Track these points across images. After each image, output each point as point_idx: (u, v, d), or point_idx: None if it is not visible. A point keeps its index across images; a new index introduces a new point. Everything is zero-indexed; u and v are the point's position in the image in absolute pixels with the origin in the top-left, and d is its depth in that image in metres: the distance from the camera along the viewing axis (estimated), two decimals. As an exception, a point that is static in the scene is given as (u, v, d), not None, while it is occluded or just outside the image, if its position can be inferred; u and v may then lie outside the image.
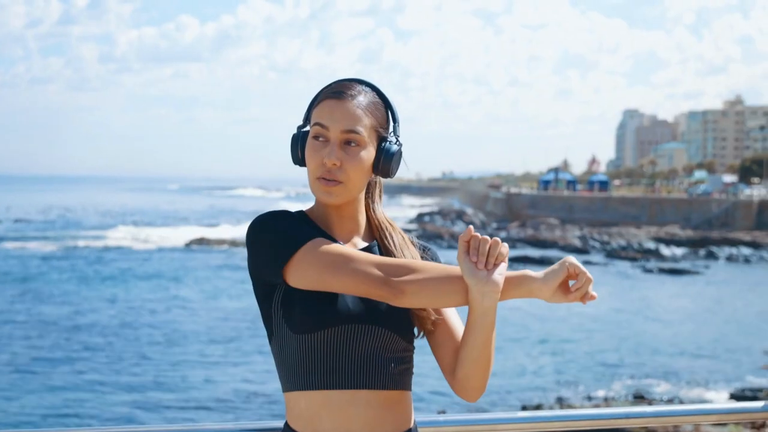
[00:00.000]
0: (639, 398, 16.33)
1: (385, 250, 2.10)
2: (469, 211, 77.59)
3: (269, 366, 19.02)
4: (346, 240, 2.09)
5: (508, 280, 1.90)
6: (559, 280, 1.88)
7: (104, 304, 27.93)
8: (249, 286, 2.09)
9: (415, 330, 2.09)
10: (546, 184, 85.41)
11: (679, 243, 52.52)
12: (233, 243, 50.71)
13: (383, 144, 2.05)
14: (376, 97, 2.07)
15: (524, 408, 15.54)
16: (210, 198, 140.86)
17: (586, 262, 42.38)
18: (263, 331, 2.09)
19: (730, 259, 46.16)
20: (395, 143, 2.06)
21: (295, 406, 2.01)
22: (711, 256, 47.31)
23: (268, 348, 2.10)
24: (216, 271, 37.48)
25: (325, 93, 2.05)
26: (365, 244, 2.11)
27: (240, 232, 60.17)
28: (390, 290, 1.90)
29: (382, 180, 2.16)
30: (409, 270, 1.91)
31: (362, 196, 2.12)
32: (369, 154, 2.03)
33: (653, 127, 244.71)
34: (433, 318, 2.06)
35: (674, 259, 45.56)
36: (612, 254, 46.18)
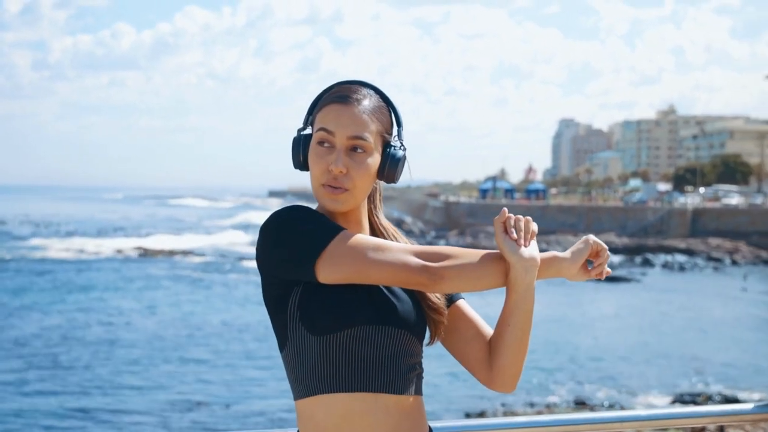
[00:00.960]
0: (580, 404, 16.45)
1: None
2: (408, 219, 77.73)
3: (209, 376, 18.83)
4: None
5: (541, 260, 1.96)
6: (584, 259, 1.96)
7: (38, 316, 27.38)
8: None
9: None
10: (484, 192, 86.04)
11: (615, 251, 53.28)
12: (171, 252, 50.17)
13: (388, 149, 2.02)
14: (380, 100, 2.04)
15: (468, 416, 15.55)
16: (152, 207, 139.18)
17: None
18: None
19: (665, 266, 46.92)
20: (400, 148, 2.04)
21: (312, 414, 1.95)
22: (647, 263, 48.06)
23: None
24: (155, 281, 37.01)
25: (329, 97, 2.01)
26: None
27: (178, 242, 59.54)
28: (429, 276, 1.87)
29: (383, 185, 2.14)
30: (445, 256, 1.90)
31: (366, 200, 2.08)
32: (375, 160, 1.99)
33: (588, 137, 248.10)
34: (445, 323, 2.05)
35: (611, 266, 45.75)
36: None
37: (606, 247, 1.97)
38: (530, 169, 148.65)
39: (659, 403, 16.84)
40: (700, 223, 59.86)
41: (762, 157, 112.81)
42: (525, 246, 1.93)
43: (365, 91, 2.02)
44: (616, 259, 49.72)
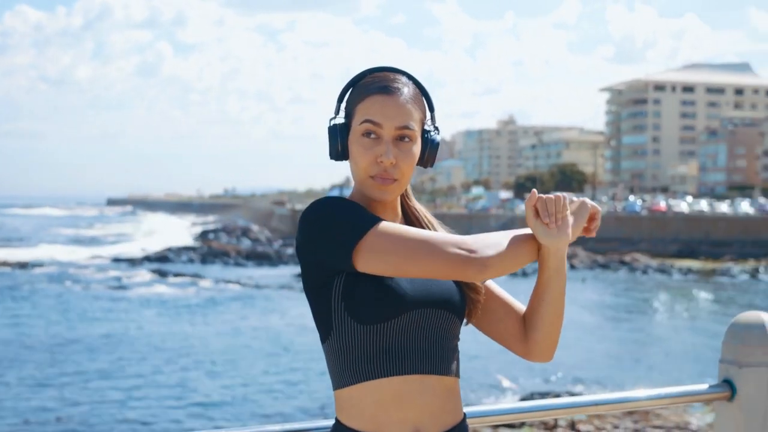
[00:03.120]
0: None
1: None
2: (255, 227, 77.11)
3: (69, 391, 18.13)
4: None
5: None
6: (587, 219, 2.02)
7: None
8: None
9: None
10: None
11: (460, 256, 54.33)
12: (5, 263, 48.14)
13: (426, 135, 2.05)
14: (415, 87, 2.05)
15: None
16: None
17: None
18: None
19: (509, 271, 48.10)
20: (437, 133, 2.07)
21: (359, 400, 1.95)
22: (490, 268, 49.11)
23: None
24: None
25: (370, 87, 2.01)
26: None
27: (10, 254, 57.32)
28: (475, 267, 1.87)
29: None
30: (484, 244, 1.91)
31: None
32: (418, 147, 2.02)
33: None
34: (482, 301, 2.08)
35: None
36: (398, 268, 47.00)
37: (600, 209, 2.04)
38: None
39: (509, 401, 17.15)
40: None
41: (595, 166, 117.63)
42: (556, 227, 1.94)
43: (403, 78, 2.03)
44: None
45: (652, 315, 32.75)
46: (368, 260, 1.89)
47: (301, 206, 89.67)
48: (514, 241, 1.95)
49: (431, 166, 2.06)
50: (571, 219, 1.97)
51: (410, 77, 2.04)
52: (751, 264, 51.68)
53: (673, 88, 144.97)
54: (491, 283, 2.13)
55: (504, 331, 2.11)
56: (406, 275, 1.90)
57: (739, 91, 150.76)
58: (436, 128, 2.06)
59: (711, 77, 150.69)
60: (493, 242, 1.92)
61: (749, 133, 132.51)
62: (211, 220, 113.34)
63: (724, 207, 70.33)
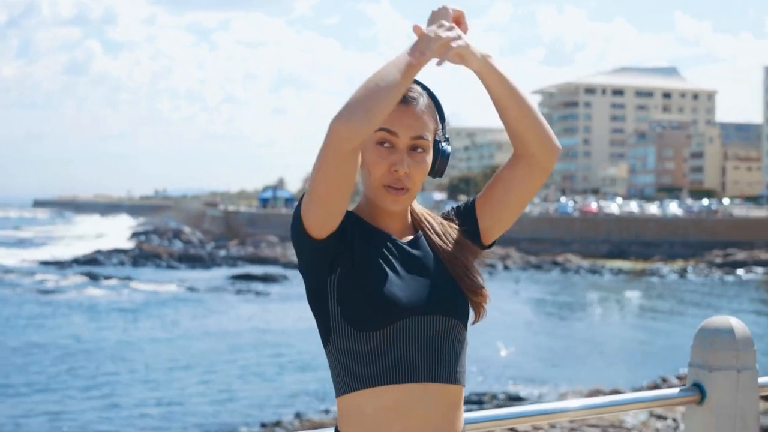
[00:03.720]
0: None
1: (428, 240, 2.05)
2: (187, 229, 76.27)
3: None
4: (395, 233, 2.04)
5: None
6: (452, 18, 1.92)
7: None
8: None
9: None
10: (265, 201, 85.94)
11: (395, 258, 54.50)
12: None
13: (438, 145, 2.03)
14: (429, 97, 2.03)
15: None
16: None
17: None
18: None
19: (443, 272, 48.34)
20: (448, 144, 2.05)
21: (359, 408, 1.92)
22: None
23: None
24: None
25: None
26: (410, 237, 2.05)
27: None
28: (333, 128, 1.82)
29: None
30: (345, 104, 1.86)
31: None
32: (430, 157, 2.01)
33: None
34: (485, 304, 2.03)
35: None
36: (333, 270, 46.93)
37: (462, 11, 1.94)
38: (308, 178, 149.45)
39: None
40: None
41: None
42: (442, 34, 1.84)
43: (418, 88, 2.01)
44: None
45: (585, 314, 33.17)
46: (307, 214, 1.89)
47: (233, 208, 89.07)
48: (376, 72, 1.86)
49: (441, 176, 2.04)
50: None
51: (423, 87, 2.02)
52: (679, 264, 52.67)
53: (603, 91, 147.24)
54: (480, 198, 2.06)
55: (512, 179, 2.02)
56: (326, 195, 1.86)
57: (667, 95, 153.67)
58: (447, 139, 2.05)
59: (640, 81, 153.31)
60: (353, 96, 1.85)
61: (677, 135, 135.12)
62: (142, 222, 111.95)
63: (653, 208, 71.56)
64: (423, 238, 2.05)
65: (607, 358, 23.14)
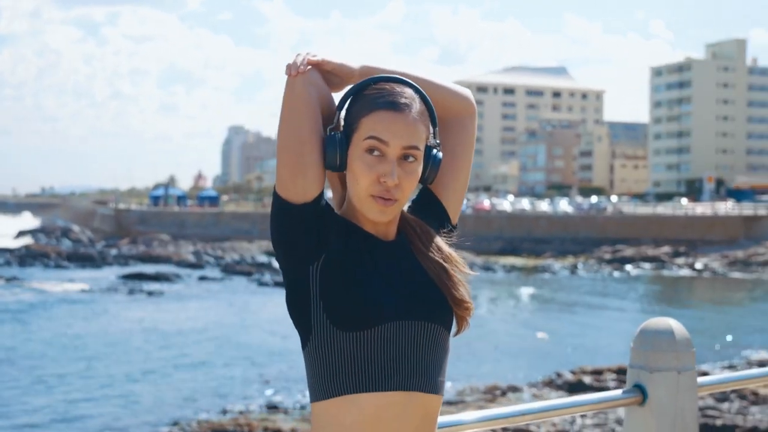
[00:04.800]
0: (272, 408, 16.47)
1: (410, 241, 1.97)
2: (76, 228, 74.39)
3: None
4: (379, 233, 1.94)
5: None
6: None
7: None
8: None
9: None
10: (156, 199, 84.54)
11: (290, 256, 54.38)
12: None
13: (430, 152, 1.93)
14: (422, 101, 1.92)
15: None
16: None
17: (202, 278, 42.51)
18: None
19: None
20: (439, 149, 1.96)
21: (337, 415, 1.83)
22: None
23: None
24: None
25: (377, 101, 1.88)
26: (394, 239, 1.97)
27: None
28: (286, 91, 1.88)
29: None
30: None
31: None
32: (421, 166, 1.91)
33: (258, 144, 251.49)
34: (469, 318, 1.96)
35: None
36: (227, 269, 46.58)
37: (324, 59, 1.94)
38: (200, 176, 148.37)
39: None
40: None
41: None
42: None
43: (411, 93, 1.91)
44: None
45: (479, 311, 33.60)
46: (281, 177, 1.86)
47: (124, 206, 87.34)
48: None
49: (431, 183, 1.96)
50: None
51: (416, 90, 1.93)
52: (570, 260, 53.88)
53: (495, 90, 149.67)
54: (429, 189, 2.04)
55: (452, 142, 2.03)
56: (298, 143, 1.84)
57: (556, 94, 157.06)
58: (438, 144, 1.96)
59: (530, 80, 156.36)
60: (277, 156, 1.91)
61: (566, 134, 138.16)
62: (28, 220, 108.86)
63: (544, 206, 73.06)
64: (406, 240, 1.98)
65: (502, 354, 23.47)
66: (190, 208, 78.49)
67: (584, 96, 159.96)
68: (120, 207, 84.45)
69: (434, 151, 1.93)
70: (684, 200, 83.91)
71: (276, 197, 1.87)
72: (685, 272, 48.56)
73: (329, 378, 1.84)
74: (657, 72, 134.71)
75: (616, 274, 47.80)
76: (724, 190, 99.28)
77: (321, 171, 1.87)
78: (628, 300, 36.19)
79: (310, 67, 1.88)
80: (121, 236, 67.18)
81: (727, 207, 68.30)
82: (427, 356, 1.87)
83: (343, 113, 1.92)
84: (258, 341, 24.99)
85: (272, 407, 16.60)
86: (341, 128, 1.90)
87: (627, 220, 62.31)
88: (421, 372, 1.85)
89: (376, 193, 1.85)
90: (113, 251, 55.41)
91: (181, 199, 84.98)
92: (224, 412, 16.38)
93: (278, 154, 1.87)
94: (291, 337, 25.74)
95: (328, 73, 1.92)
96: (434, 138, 1.95)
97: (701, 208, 68.26)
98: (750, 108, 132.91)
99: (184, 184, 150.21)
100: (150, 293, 36.25)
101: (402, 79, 1.93)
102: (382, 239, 1.92)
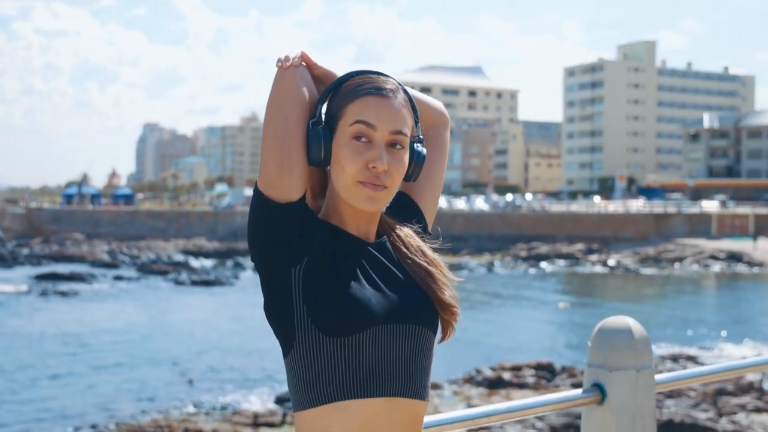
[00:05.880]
0: (193, 408, 16.29)
1: (393, 243, 1.91)
2: (-15, 227, 72.53)
3: None
4: (361, 235, 1.87)
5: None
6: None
7: None
8: None
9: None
10: (69, 198, 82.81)
11: (207, 255, 53.97)
12: None
13: (414, 146, 1.88)
14: (404, 93, 1.89)
15: None
16: None
17: (118, 277, 41.81)
18: None
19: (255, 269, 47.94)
20: (422, 145, 1.91)
21: (324, 425, 1.76)
22: (238, 266, 49.02)
23: None
24: None
25: (362, 89, 1.83)
26: (377, 241, 1.90)
27: None
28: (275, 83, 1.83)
29: None
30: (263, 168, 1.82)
31: None
32: (407, 156, 1.85)
33: (173, 141, 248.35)
34: (455, 323, 1.89)
35: (204, 270, 46.49)
36: (143, 268, 45.92)
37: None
38: (114, 174, 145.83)
39: (267, 401, 17.07)
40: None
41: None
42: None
43: (393, 81, 1.87)
44: (207, 263, 50.25)
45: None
46: (264, 172, 1.78)
47: (36, 204, 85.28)
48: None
49: (415, 180, 1.90)
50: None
51: (398, 83, 1.89)
52: (486, 258, 54.48)
53: (411, 89, 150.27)
54: (412, 187, 2.01)
55: (429, 169, 2.01)
56: (283, 143, 1.78)
57: (472, 93, 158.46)
58: (421, 140, 1.90)
59: (446, 79, 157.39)
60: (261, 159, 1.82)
61: (482, 133, 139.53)
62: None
63: (460, 204, 73.68)
64: (388, 243, 1.91)
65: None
66: (104, 207, 77.06)
67: (499, 95, 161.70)
68: (32, 206, 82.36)
69: (418, 146, 1.89)
70: (597, 198, 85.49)
71: (258, 195, 1.79)
72: (599, 269, 49.49)
73: (315, 385, 1.77)
74: (570, 72, 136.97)
75: (532, 270, 48.47)
76: (635, 189, 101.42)
77: (306, 169, 1.80)
78: (545, 296, 36.73)
79: (303, 63, 1.85)
80: (33, 235, 65.71)
81: (638, 205, 69.85)
82: (414, 360, 1.81)
83: (324, 107, 1.86)
84: (177, 341, 24.69)
85: (193, 408, 16.44)
86: (322, 122, 1.84)
87: (541, 217, 63.25)
88: (408, 377, 1.80)
89: (364, 179, 1.78)
90: (25, 251, 54.24)
91: (95, 197, 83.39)
92: (143, 413, 16.15)
93: (265, 147, 1.79)
94: (210, 336, 25.51)
95: (315, 78, 1.88)
96: (418, 133, 1.91)
97: (613, 206, 69.67)
98: (659, 108, 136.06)
99: (98, 182, 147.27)
100: (64, 293, 35.52)
101: (385, 73, 1.90)
102: (364, 241, 1.86)
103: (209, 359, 21.87)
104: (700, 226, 60.54)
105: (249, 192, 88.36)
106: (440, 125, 2.04)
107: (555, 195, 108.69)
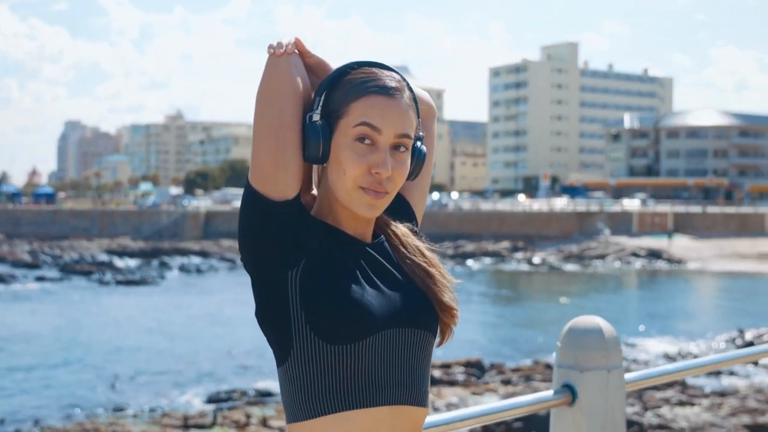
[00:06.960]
0: (120, 411, 16.02)
1: (391, 243, 1.82)
2: None
3: None
4: (358, 235, 1.78)
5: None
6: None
7: None
8: None
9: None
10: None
11: (132, 254, 53.20)
12: None
13: (416, 144, 1.78)
14: (409, 89, 1.77)
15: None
16: None
17: (39, 278, 40.97)
18: None
19: (182, 268, 47.47)
20: (422, 143, 1.81)
21: None
22: (164, 266, 48.42)
23: None
24: None
25: (369, 86, 1.71)
26: (374, 242, 1.81)
27: None
28: (266, 71, 1.72)
29: None
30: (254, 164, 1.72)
31: None
32: (410, 157, 1.76)
33: (96, 139, 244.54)
34: (453, 326, 1.80)
35: (129, 270, 45.81)
36: (66, 268, 45.04)
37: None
38: (34, 172, 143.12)
39: (196, 402, 16.87)
40: (212, 226, 61.79)
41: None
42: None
43: (398, 77, 1.76)
44: (132, 262, 49.53)
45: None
46: (252, 171, 1.68)
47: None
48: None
49: (414, 178, 1.80)
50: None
51: (402, 77, 1.78)
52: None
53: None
54: (410, 187, 1.93)
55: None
56: (277, 136, 1.67)
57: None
58: (422, 137, 1.81)
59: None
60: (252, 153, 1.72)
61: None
62: None
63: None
64: (386, 243, 1.83)
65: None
66: (24, 206, 75.55)
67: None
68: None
69: (418, 143, 1.80)
70: (522, 197, 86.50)
71: (251, 191, 1.68)
72: (524, 266, 50.06)
73: (314, 396, 1.67)
74: (495, 72, 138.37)
75: (458, 268, 48.80)
76: (558, 187, 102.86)
77: (301, 165, 1.70)
78: (471, 294, 36.99)
79: (296, 51, 1.74)
80: (-49, 236, 64.11)
81: (561, 203, 70.86)
82: (416, 366, 1.73)
83: (322, 100, 1.73)
84: (101, 343, 24.25)
85: (119, 410, 16.16)
86: (321, 117, 1.72)
87: (467, 216, 63.74)
88: (411, 383, 1.72)
89: (366, 185, 1.69)
90: (-59, 251, 52.83)
91: (14, 196, 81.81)
92: (68, 417, 15.82)
93: (257, 140, 1.68)
94: (136, 337, 25.14)
95: (307, 67, 1.77)
96: (420, 130, 1.81)
97: (538, 205, 70.58)
98: (582, 108, 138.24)
99: (18, 180, 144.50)
100: (-16, 295, 34.69)
101: (387, 65, 1.78)
102: (361, 241, 1.77)
103: (136, 361, 21.52)
104: (622, 224, 61.64)
105: (174, 191, 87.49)
106: (429, 118, 1.94)
107: (481, 194, 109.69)
